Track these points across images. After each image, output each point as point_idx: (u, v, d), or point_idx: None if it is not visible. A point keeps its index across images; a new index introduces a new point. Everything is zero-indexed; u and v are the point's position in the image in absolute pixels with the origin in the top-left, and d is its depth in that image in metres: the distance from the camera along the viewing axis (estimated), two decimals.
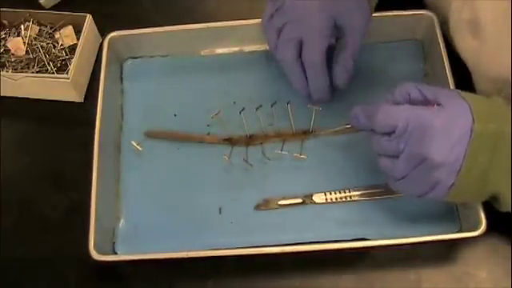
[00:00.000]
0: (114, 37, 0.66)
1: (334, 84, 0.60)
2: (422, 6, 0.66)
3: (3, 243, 0.62)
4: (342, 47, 0.59)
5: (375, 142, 0.52)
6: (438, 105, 0.49)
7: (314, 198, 0.59)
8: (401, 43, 0.67)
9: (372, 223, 0.58)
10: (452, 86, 0.59)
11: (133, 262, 0.57)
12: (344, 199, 0.59)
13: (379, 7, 0.65)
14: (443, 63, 0.61)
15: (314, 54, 0.58)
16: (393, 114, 0.50)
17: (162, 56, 0.69)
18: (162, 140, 0.64)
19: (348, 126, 0.57)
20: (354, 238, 0.56)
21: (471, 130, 0.47)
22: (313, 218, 0.58)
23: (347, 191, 0.59)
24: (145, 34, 0.66)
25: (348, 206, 0.59)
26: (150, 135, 0.64)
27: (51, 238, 0.62)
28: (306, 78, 0.60)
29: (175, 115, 0.65)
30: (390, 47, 0.67)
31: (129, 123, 0.66)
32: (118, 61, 0.68)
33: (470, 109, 0.48)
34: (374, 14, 0.63)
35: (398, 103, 0.51)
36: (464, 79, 0.60)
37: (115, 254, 0.58)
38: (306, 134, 0.62)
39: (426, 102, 0.50)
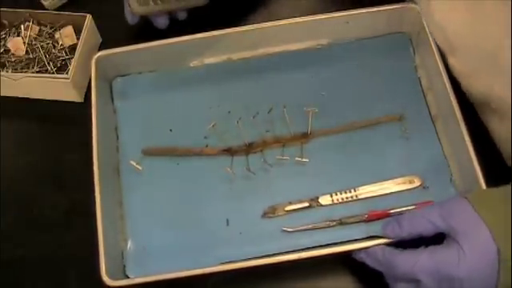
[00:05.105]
0: (101, 57, 0.64)
1: None
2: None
3: (3, 243, 0.62)
4: None
5: None
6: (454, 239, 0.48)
7: (320, 200, 0.59)
8: (388, 37, 0.67)
9: (381, 220, 0.57)
10: (445, 76, 0.59)
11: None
12: (350, 198, 0.59)
13: (361, 3, 0.65)
14: (433, 54, 0.61)
15: None
16: (413, 267, 0.49)
17: (151, 71, 0.68)
18: (160, 157, 0.63)
19: None
20: (364, 236, 0.56)
21: (499, 261, 0.46)
22: (321, 220, 0.58)
23: (353, 190, 0.59)
24: (131, 51, 0.64)
25: (355, 206, 0.59)
26: (148, 153, 0.63)
27: (51, 237, 0.62)
28: None
29: (171, 130, 0.64)
30: (378, 42, 0.67)
31: (125, 143, 0.64)
32: (106, 80, 0.67)
33: (491, 233, 0.46)
34: (359, 11, 0.64)
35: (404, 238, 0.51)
36: None
37: (127, 276, 0.58)
38: (304, 137, 0.62)
39: (438, 232, 0.49)
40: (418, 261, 0.48)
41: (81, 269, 0.60)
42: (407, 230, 0.51)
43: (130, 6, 0.65)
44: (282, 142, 0.62)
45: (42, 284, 0.60)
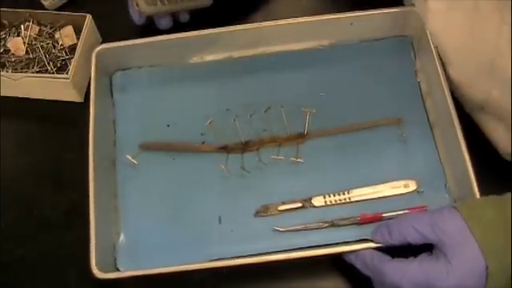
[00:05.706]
0: (101, 50, 0.64)
1: None
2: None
3: (3, 243, 0.62)
4: None
5: None
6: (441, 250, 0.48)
7: (313, 201, 0.59)
8: (390, 40, 0.67)
9: (373, 223, 0.57)
10: (444, 83, 0.59)
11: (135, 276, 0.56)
12: (343, 201, 0.59)
13: (365, 5, 0.65)
14: (434, 60, 0.60)
15: None
16: (402, 279, 0.49)
17: (151, 66, 0.68)
18: (156, 152, 0.63)
19: None
20: (356, 239, 0.56)
21: (487, 274, 0.46)
22: (314, 221, 0.58)
23: (346, 193, 0.59)
24: (132, 45, 0.64)
25: (348, 208, 0.59)
26: (145, 147, 0.63)
27: (51, 237, 0.62)
28: None
29: (168, 126, 0.64)
30: (380, 44, 0.67)
31: (122, 137, 0.64)
32: (106, 74, 0.67)
33: (479, 246, 0.46)
34: (362, 12, 0.64)
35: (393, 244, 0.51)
36: None
37: (117, 269, 0.58)
38: (301, 137, 0.62)
39: (426, 243, 0.50)
40: (406, 272, 0.49)
41: (81, 269, 0.59)
42: (396, 238, 0.51)
43: (137, 5, 0.64)
44: (278, 141, 0.62)
45: (42, 284, 0.61)
